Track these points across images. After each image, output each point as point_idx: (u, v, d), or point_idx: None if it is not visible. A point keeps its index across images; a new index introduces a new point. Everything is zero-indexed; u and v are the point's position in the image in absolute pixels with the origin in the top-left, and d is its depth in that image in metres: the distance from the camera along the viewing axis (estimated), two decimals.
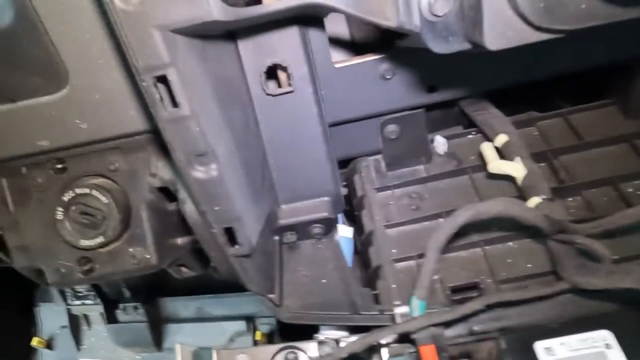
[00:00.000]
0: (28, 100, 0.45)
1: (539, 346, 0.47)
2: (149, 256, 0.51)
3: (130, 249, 0.52)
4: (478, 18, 0.31)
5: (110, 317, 1.26)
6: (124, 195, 0.51)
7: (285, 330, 0.86)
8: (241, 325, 1.22)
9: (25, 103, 0.45)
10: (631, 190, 0.61)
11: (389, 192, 0.69)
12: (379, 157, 0.73)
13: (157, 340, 1.26)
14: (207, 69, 0.44)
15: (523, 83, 0.66)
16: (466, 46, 0.34)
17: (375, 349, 0.52)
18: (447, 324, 0.49)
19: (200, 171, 0.42)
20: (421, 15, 0.33)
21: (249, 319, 1.21)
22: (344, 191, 0.75)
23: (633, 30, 0.61)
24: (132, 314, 1.25)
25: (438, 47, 0.34)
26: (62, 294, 1.26)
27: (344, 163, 0.76)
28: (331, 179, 0.64)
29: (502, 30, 0.31)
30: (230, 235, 0.47)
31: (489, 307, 0.51)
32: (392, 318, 0.52)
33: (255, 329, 1.21)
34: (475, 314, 0.49)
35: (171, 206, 0.54)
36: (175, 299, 1.25)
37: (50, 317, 1.31)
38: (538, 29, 0.30)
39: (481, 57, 0.62)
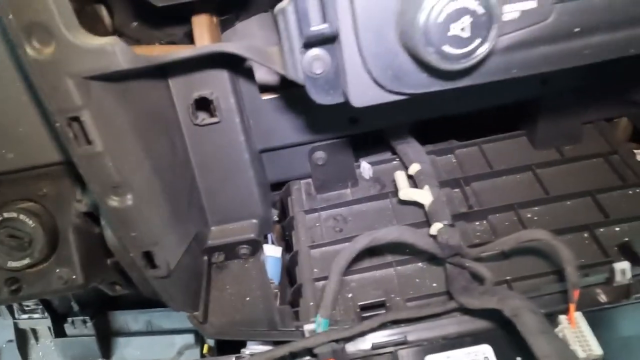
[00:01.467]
0: None
1: (429, 359, 0.52)
2: (75, 276, 0.55)
3: (58, 270, 0.55)
4: (344, 80, 0.36)
5: (58, 331, 1.26)
6: (51, 219, 0.54)
7: (221, 345, 0.90)
8: (190, 338, 1.24)
9: None
10: (529, 215, 0.68)
11: (316, 214, 0.74)
12: (310, 180, 0.78)
13: (106, 353, 1.26)
14: (127, 106, 0.48)
15: (437, 117, 0.72)
16: (343, 99, 0.39)
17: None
18: (348, 339, 0.53)
19: (116, 200, 0.45)
20: (303, 71, 0.38)
21: (198, 333, 1.23)
22: (273, 213, 0.79)
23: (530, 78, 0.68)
24: (80, 328, 1.25)
25: (320, 99, 0.39)
26: (9, 307, 1.26)
27: (280, 185, 0.81)
28: (259, 202, 0.69)
29: (362, 90, 0.36)
30: (149, 258, 0.50)
31: (392, 323, 0.56)
32: (302, 334, 0.56)
33: (203, 342, 1.23)
34: (373, 330, 0.53)
35: (97, 229, 0.57)
36: (125, 312, 1.26)
37: None
38: (390, 91, 0.35)
39: None
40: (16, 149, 0.49)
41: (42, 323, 1.27)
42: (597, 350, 0.45)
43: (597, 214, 0.66)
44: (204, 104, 0.63)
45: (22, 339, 1.28)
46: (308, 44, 0.37)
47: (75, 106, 0.40)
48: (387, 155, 0.80)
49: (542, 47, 0.32)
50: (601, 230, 0.64)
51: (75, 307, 1.25)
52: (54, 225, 0.54)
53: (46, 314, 1.25)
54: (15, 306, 1.25)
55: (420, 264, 0.65)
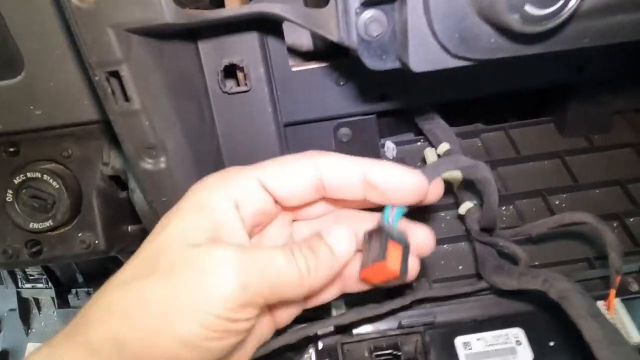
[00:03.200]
0: None
1: (459, 341, 0.51)
2: (97, 241, 0.53)
3: (80, 234, 0.53)
4: (405, 42, 0.34)
5: (62, 302, 1.25)
6: (75, 182, 0.52)
7: None
8: None
9: None
10: (557, 202, 0.67)
11: None
12: None
13: None
14: (162, 65, 0.46)
15: (469, 99, 0.70)
16: (397, 65, 0.37)
17: (311, 340, 0.56)
18: (379, 318, 0.52)
19: (149, 163, 0.44)
20: (358, 34, 0.36)
21: None
22: None
23: (565, 61, 0.67)
24: (84, 299, 1.24)
25: (372, 63, 0.38)
26: (13, 276, 1.25)
27: None
28: None
29: (424, 55, 0.34)
30: None
31: (419, 303, 0.55)
32: (329, 312, 0.56)
33: None
34: (404, 309, 0.52)
35: (122, 194, 0.56)
36: None
37: (0, 299, 1.29)
38: (455, 56, 0.33)
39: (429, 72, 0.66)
40: (45, 105, 0.47)
41: (45, 293, 1.26)
42: (636, 337, 0.44)
43: (626, 203, 0.65)
44: (231, 72, 0.61)
45: (25, 308, 1.27)
46: (366, 3, 0.35)
47: (116, 59, 0.38)
48: (411, 136, 0.79)
49: (620, 15, 0.30)
50: (631, 219, 0.63)
51: (80, 279, 1.24)
52: (77, 188, 0.53)
53: (50, 284, 1.24)
54: (19, 275, 1.24)
55: (445, 246, 0.64)
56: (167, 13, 0.37)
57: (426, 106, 0.73)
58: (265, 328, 0.42)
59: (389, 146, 0.76)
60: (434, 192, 0.40)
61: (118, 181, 0.55)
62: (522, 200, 0.68)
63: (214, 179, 0.39)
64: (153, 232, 0.37)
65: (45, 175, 0.51)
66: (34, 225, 0.52)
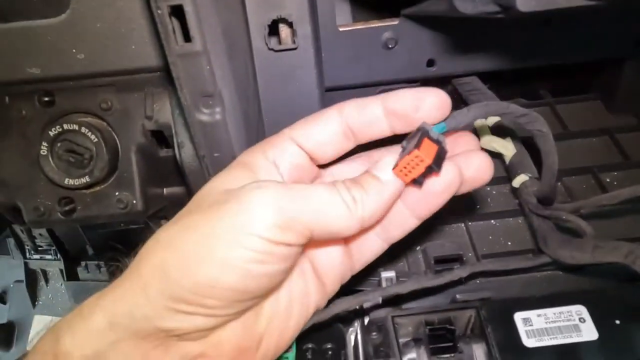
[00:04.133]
0: (23, 21, 0.41)
1: (518, 316, 0.48)
2: (135, 202, 0.50)
3: (117, 193, 0.50)
4: None
5: (71, 274, 1.22)
6: (114, 136, 0.49)
7: None
8: None
9: (20, 24, 0.41)
10: (609, 180, 0.64)
11: None
12: None
13: None
14: (219, 11, 0.42)
15: (520, 68, 0.67)
16: (492, 8, 0.34)
17: (359, 313, 0.53)
18: (433, 291, 0.50)
19: (205, 113, 0.40)
20: None
21: None
22: None
23: (623, 33, 0.64)
24: (94, 273, 1.21)
25: (464, 6, 0.34)
26: (21, 246, 1.21)
27: None
28: None
29: None
30: None
31: (472, 278, 0.52)
32: (379, 283, 0.53)
33: None
34: (457, 283, 0.50)
35: (162, 152, 0.52)
36: None
37: (6, 270, 1.25)
38: None
39: (480, 37, 0.63)
40: (90, 49, 0.43)
41: (53, 265, 1.22)
42: None
43: None
44: (274, 29, 0.57)
45: (32, 279, 1.24)
46: None
47: None
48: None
49: None
50: None
51: (90, 251, 1.20)
52: (116, 143, 0.49)
53: (59, 256, 1.20)
54: (27, 245, 1.21)
55: (493, 221, 0.61)
56: None
57: (472, 77, 0.70)
58: (312, 290, 0.42)
59: None
60: (480, 169, 0.39)
61: (159, 138, 0.51)
62: (571, 177, 0.65)
63: (253, 144, 0.43)
64: (203, 187, 0.39)
65: (83, 128, 0.47)
66: (69, 182, 0.48)
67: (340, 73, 0.64)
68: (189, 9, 0.35)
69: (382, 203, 0.37)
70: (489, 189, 0.65)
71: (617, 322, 0.47)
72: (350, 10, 0.65)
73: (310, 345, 0.46)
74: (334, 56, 0.62)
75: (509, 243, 0.59)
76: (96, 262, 1.20)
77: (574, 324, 0.47)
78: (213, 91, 0.39)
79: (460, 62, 0.65)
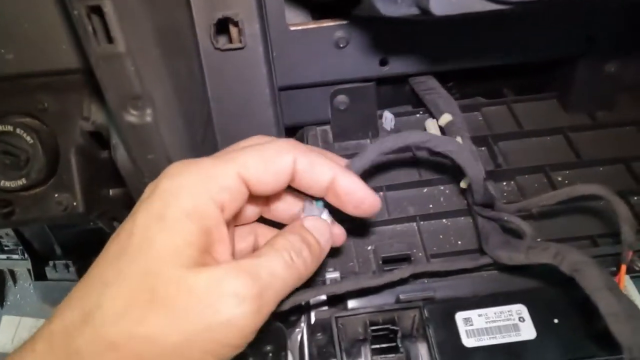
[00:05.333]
0: None
1: (459, 316, 0.49)
2: (76, 203, 0.49)
3: (56, 195, 0.49)
4: None
5: (39, 274, 1.21)
6: (52, 138, 0.48)
7: None
8: None
9: None
10: (560, 179, 0.64)
11: None
12: (327, 127, 0.73)
13: None
14: (151, 9, 0.42)
15: (472, 68, 0.67)
16: (414, 11, 0.34)
17: (303, 313, 0.53)
18: (376, 292, 0.50)
19: (134, 115, 0.40)
20: None
21: None
22: None
23: (574, 30, 0.64)
24: (62, 272, 1.20)
25: (385, 8, 0.34)
26: None
27: (293, 130, 0.76)
28: None
29: None
30: None
31: (416, 277, 0.52)
32: (323, 282, 0.53)
33: None
34: (402, 283, 0.50)
35: (103, 154, 0.51)
36: None
37: None
38: None
39: (433, 36, 0.63)
40: (18, 48, 0.42)
41: (21, 265, 1.21)
42: None
43: (630, 181, 0.63)
44: (224, 28, 0.57)
45: (0, 280, 1.23)
46: None
47: None
48: (409, 108, 0.76)
49: None
50: (635, 198, 0.61)
51: (58, 251, 1.19)
52: (54, 144, 0.48)
53: (26, 256, 1.19)
54: None
55: (444, 220, 0.61)
56: None
57: (428, 76, 0.70)
58: None
59: (387, 117, 0.72)
60: (369, 204, 0.43)
61: (99, 139, 0.51)
62: (524, 175, 0.65)
63: (194, 175, 0.36)
64: (132, 243, 0.33)
65: (18, 129, 0.46)
66: (5, 184, 0.47)
67: (293, 72, 0.64)
68: (107, 10, 0.34)
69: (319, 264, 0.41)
70: (442, 187, 0.65)
71: (556, 320, 0.47)
72: (308, 10, 0.65)
73: (248, 350, 0.46)
74: (286, 55, 0.62)
75: (459, 242, 0.59)
76: (64, 262, 1.19)
77: (514, 323, 0.48)
78: (141, 93, 0.39)
79: (413, 61, 0.65)
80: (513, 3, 0.30)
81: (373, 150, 0.42)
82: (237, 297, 0.32)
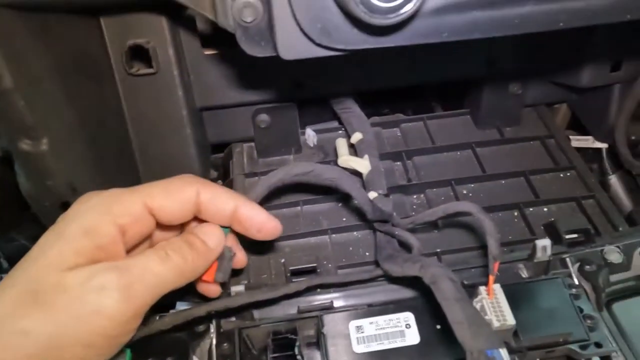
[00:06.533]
0: None
1: (352, 325, 0.52)
2: None
3: None
4: (273, 30, 0.34)
5: None
6: None
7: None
8: None
9: None
10: (465, 192, 0.69)
11: (256, 178, 0.73)
12: (252, 144, 0.76)
13: None
14: (48, 43, 0.44)
15: (384, 88, 0.71)
16: (275, 52, 0.38)
17: (210, 323, 0.56)
18: (273, 301, 0.53)
19: (28, 144, 0.42)
20: (234, 18, 0.36)
21: None
22: (212, 174, 0.77)
23: (475, 54, 0.69)
24: None
25: (251, 49, 0.38)
26: None
27: (222, 146, 0.79)
28: (196, 162, 0.67)
29: (291, 42, 0.34)
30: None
31: (319, 288, 0.56)
32: (229, 294, 0.56)
33: None
34: (300, 294, 0.53)
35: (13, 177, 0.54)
36: None
37: None
38: (319, 45, 0.34)
39: (342, 62, 0.67)
40: None
41: None
42: (511, 320, 0.46)
43: (528, 193, 0.68)
44: (140, 53, 0.60)
45: None
46: None
47: None
48: (334, 124, 0.80)
49: (473, 12, 0.31)
50: (530, 209, 0.66)
51: (5, 264, 1.19)
52: None
53: None
54: None
55: (355, 233, 0.65)
56: None
57: (346, 94, 0.74)
58: None
59: (310, 134, 0.76)
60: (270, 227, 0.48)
61: (8, 163, 0.53)
62: (433, 189, 0.70)
63: (100, 200, 0.40)
64: (30, 256, 0.38)
65: None
66: None
67: (213, 94, 0.67)
68: None
69: (207, 263, 0.45)
70: (356, 202, 0.69)
71: (438, 327, 0.51)
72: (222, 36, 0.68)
73: None
74: (204, 79, 0.65)
75: (367, 254, 0.63)
76: None
77: (400, 329, 0.51)
78: (33, 124, 0.41)
79: (327, 84, 0.69)
80: (341, 50, 0.34)
81: (262, 185, 0.48)
82: (103, 289, 0.35)
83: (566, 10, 0.32)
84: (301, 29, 0.33)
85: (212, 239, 0.44)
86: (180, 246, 0.41)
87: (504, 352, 0.38)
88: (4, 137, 0.42)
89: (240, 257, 0.51)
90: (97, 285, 0.35)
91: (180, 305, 0.63)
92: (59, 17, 0.45)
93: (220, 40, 0.64)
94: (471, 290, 0.50)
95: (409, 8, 0.28)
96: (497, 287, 0.49)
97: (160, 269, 0.39)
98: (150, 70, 0.58)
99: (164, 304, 0.63)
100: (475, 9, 0.31)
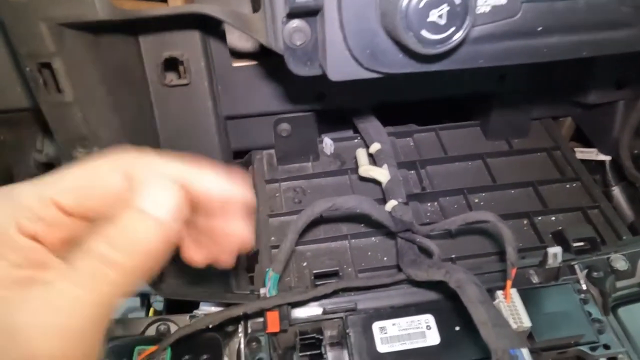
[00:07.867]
0: None
1: (375, 326, 0.55)
2: None
3: None
4: (324, 53, 0.37)
5: None
6: (7, 168, 0.52)
7: (171, 307, 0.90)
8: (135, 301, 1.23)
9: None
10: (477, 200, 0.73)
11: (277, 184, 0.76)
12: (272, 151, 0.79)
13: None
14: (99, 58, 0.47)
15: (402, 101, 0.75)
16: (320, 72, 0.41)
17: (240, 323, 0.58)
18: (302, 303, 0.56)
19: (82, 153, 0.45)
20: (284, 41, 0.39)
21: (144, 296, 1.23)
22: None
23: (489, 71, 0.72)
24: None
25: (297, 69, 0.41)
26: None
27: (242, 153, 0.82)
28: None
29: (340, 65, 0.38)
30: None
31: (343, 291, 0.59)
32: (259, 297, 0.59)
33: (149, 306, 1.23)
34: (327, 296, 0.56)
35: None
36: None
37: None
38: (366, 69, 0.37)
39: None
40: None
41: None
42: (527, 322, 0.50)
43: (536, 203, 0.72)
44: (173, 65, 0.62)
45: None
46: (291, 15, 0.38)
47: (47, 52, 0.39)
48: (349, 133, 0.83)
49: (507, 42, 0.35)
50: (539, 218, 0.70)
51: None
52: (9, 174, 0.53)
53: None
54: None
55: (373, 238, 0.68)
56: (100, 9, 0.39)
57: (362, 107, 0.77)
58: None
59: (327, 142, 0.79)
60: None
61: (52, 168, 0.55)
62: (446, 197, 0.73)
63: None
64: None
65: None
66: None
67: (238, 104, 0.69)
68: (57, 66, 0.40)
69: (155, 245, 0.27)
70: (378, 219, 0.72)
71: (457, 328, 0.54)
72: (245, 48, 0.71)
73: (187, 357, 0.51)
74: (231, 89, 0.68)
75: (385, 258, 0.66)
76: None
77: (421, 330, 0.55)
78: (87, 134, 0.44)
79: (347, 95, 0.72)
80: (386, 74, 0.37)
81: (292, 232, 0.54)
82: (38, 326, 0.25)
83: (590, 41, 0.36)
84: (351, 54, 0.36)
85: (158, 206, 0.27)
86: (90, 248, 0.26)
87: (525, 351, 0.42)
88: (59, 145, 0.45)
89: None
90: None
91: (204, 307, 0.67)
92: (105, 35, 0.48)
93: (249, 53, 0.67)
94: (489, 294, 0.53)
95: (454, 39, 0.32)
96: (513, 292, 0.53)
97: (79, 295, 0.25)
98: (184, 82, 0.61)
99: (188, 303, 0.66)
100: (509, 39, 0.35)
